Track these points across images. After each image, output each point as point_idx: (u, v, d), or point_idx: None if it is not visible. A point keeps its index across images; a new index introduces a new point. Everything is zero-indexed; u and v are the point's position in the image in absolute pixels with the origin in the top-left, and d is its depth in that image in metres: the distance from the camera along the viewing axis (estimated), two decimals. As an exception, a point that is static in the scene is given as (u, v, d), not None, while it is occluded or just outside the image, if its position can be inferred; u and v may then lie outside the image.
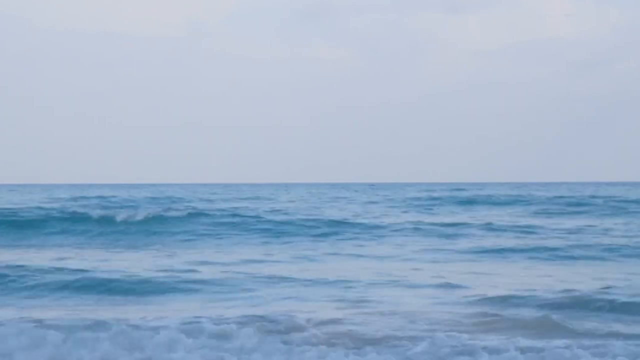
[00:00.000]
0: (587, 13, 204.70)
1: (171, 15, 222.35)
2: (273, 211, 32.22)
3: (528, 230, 24.36)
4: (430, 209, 37.34)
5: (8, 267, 14.66)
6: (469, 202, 43.10)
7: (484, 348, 8.00)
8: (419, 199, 46.83)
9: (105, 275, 13.82)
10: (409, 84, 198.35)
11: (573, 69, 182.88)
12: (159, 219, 25.48)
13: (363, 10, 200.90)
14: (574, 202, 40.23)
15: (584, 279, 13.86)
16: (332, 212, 33.29)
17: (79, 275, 13.81)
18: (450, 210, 36.46)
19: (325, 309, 10.58)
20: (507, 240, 20.95)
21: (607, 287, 12.14)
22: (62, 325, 9.06)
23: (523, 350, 7.87)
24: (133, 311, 10.79)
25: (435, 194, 52.97)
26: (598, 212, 33.32)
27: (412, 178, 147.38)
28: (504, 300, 11.12)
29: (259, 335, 8.47)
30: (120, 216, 25.27)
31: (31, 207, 31.30)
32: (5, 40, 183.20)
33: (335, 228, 24.49)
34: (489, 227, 24.98)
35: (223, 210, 30.50)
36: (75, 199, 46.86)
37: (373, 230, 24.53)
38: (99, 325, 9.00)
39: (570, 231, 23.63)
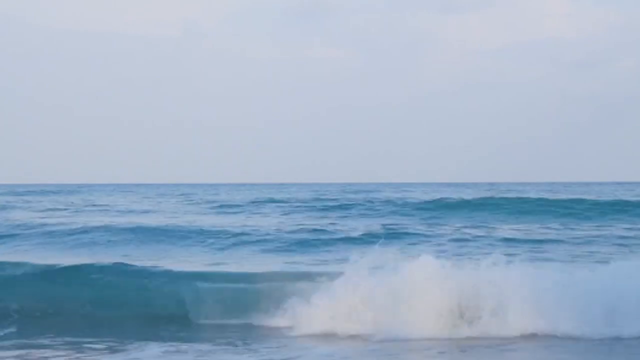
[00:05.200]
0: (586, 13, 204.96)
1: (169, 15, 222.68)
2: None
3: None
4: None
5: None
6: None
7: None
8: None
9: None
10: (409, 84, 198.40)
11: (573, 69, 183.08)
12: None
13: (362, 10, 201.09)
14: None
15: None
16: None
17: None
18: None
19: None
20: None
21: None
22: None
23: None
24: None
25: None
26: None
27: (412, 178, 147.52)
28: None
29: None
30: None
31: None
32: (4, 40, 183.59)
33: None
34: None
35: None
36: None
37: None
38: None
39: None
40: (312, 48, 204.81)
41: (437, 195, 39.22)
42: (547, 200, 30.21)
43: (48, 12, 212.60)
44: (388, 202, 31.76)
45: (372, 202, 32.14)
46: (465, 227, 21.59)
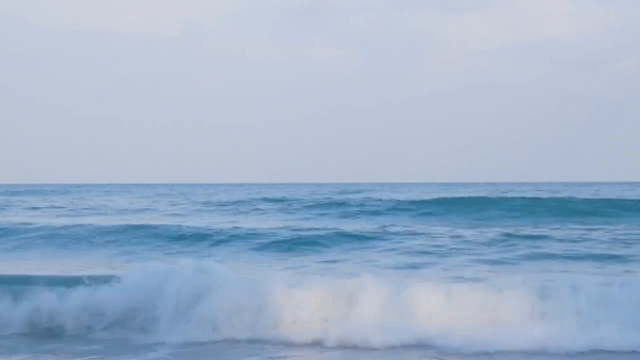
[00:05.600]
0: (586, 13, 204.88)
1: (169, 15, 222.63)
2: None
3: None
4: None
5: None
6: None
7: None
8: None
9: None
10: (409, 84, 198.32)
11: (573, 69, 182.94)
12: None
13: (362, 10, 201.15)
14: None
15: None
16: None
17: None
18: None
19: None
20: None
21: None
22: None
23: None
24: None
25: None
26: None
27: (412, 178, 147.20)
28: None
29: None
30: None
31: None
32: (4, 40, 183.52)
33: None
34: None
35: None
36: None
37: None
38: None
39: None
40: (312, 48, 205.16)
41: (436, 195, 39.07)
42: (545, 199, 30.01)
43: (48, 12, 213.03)
44: (387, 201, 31.53)
45: (369, 201, 31.98)
46: (463, 226, 21.42)
